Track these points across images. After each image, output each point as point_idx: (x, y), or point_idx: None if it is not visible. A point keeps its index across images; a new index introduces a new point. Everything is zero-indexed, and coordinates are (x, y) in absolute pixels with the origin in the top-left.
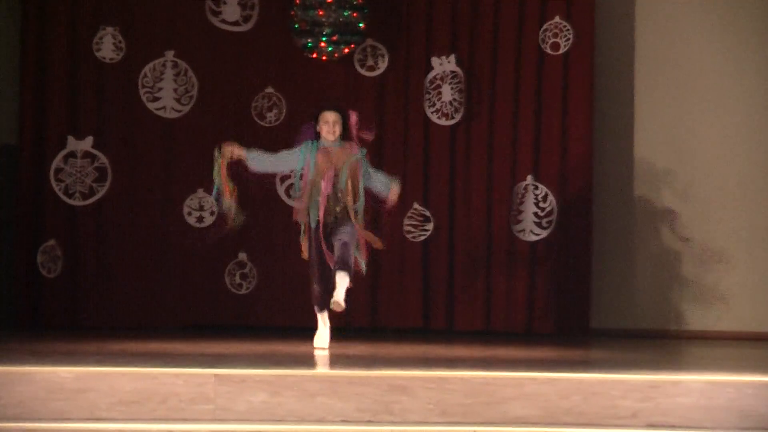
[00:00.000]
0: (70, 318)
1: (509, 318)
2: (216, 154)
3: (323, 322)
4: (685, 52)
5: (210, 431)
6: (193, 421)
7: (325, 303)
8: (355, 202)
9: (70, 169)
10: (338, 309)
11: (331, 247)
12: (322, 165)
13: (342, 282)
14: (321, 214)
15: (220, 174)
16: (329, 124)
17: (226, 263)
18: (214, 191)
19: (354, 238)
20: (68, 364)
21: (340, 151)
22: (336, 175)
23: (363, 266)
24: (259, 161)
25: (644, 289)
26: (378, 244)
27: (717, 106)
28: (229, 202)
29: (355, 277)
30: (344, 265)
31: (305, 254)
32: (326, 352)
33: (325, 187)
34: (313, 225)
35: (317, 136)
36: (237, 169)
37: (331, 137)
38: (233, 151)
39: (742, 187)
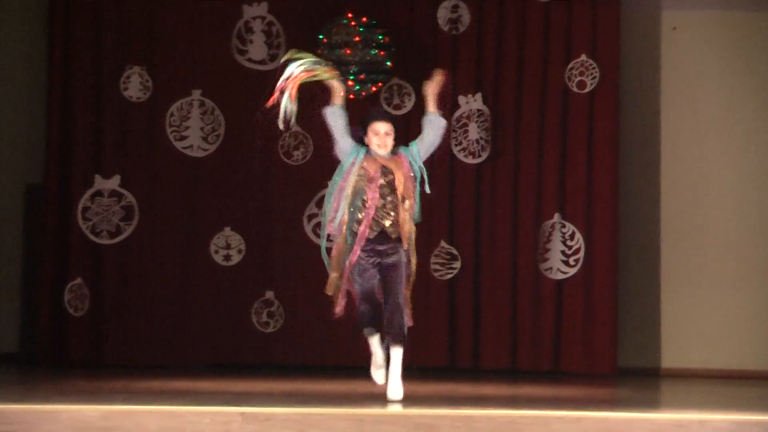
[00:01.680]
0: (96, 356)
1: (535, 356)
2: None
3: (375, 347)
4: (710, 90)
5: None
6: None
7: (374, 325)
8: (410, 218)
9: (96, 207)
10: (396, 398)
11: (374, 276)
12: (369, 170)
13: (397, 361)
14: (365, 227)
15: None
16: (380, 136)
17: (253, 301)
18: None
19: (405, 276)
20: (94, 403)
21: (390, 160)
22: (387, 184)
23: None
24: (336, 115)
25: (671, 327)
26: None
27: (741, 143)
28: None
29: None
30: (398, 336)
31: (331, 287)
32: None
33: (371, 196)
34: (351, 239)
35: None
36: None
37: (382, 151)
38: (335, 82)
39: (763, 224)
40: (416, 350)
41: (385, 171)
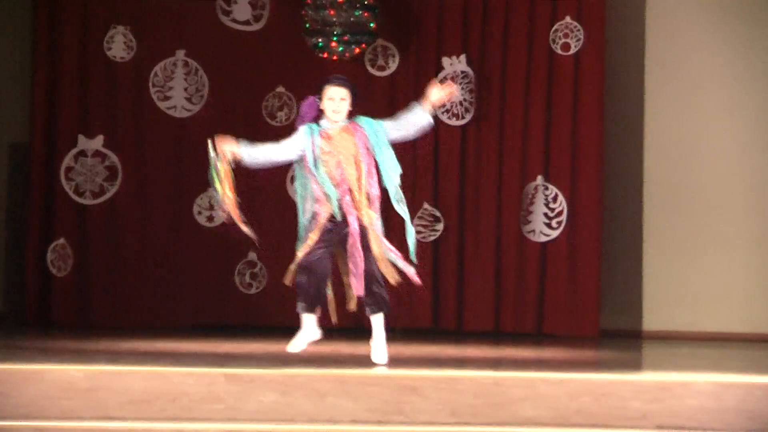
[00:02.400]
0: (81, 317)
1: (519, 319)
2: (212, 154)
3: (309, 324)
4: (695, 51)
5: (220, 430)
6: (203, 421)
7: (314, 302)
8: (368, 201)
9: (80, 168)
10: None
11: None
12: (325, 152)
13: (379, 327)
14: (324, 218)
15: (223, 182)
16: (335, 100)
17: (236, 263)
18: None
19: (377, 241)
20: (79, 363)
21: (342, 134)
22: (341, 167)
23: (413, 273)
24: (254, 156)
25: (654, 290)
26: (392, 278)
27: (727, 105)
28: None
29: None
30: (377, 304)
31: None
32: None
33: (332, 176)
34: (322, 220)
35: (319, 114)
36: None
37: (336, 117)
38: (231, 151)
39: (752, 187)
40: (400, 312)
41: (342, 146)
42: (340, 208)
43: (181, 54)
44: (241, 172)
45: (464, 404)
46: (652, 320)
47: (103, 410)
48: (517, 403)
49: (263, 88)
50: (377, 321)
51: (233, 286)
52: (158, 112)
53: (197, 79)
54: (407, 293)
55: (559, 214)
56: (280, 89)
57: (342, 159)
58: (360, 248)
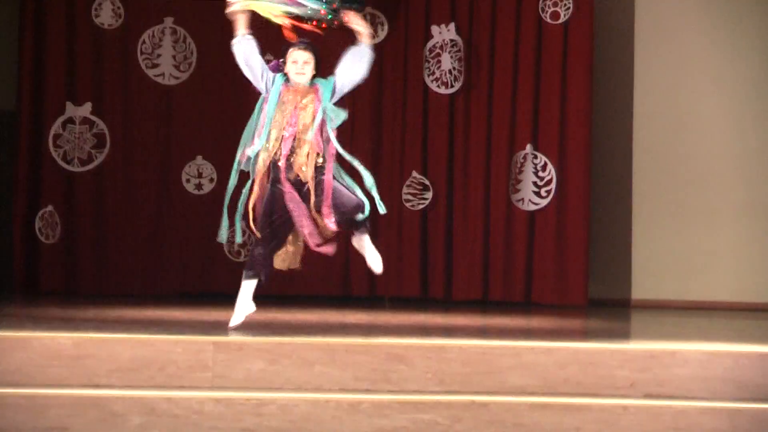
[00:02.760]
0: (68, 284)
1: (507, 287)
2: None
3: (247, 291)
4: (684, 20)
5: (208, 398)
6: (191, 389)
7: (264, 270)
8: (322, 156)
9: (68, 135)
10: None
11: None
12: (286, 101)
13: (369, 243)
14: (283, 160)
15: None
16: (298, 63)
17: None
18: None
19: (339, 188)
20: (66, 331)
21: (304, 91)
22: (300, 121)
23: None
24: (248, 46)
25: (642, 259)
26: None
27: (716, 75)
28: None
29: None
30: (362, 227)
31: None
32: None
33: (288, 129)
34: (265, 170)
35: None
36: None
37: (300, 79)
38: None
39: (741, 157)
40: (388, 281)
41: (301, 102)
42: (285, 156)
43: (169, 21)
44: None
45: (452, 373)
46: (640, 289)
47: (91, 378)
48: (505, 371)
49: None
50: (366, 239)
51: (222, 254)
52: (146, 79)
53: (185, 47)
54: (396, 261)
55: (548, 182)
56: (269, 57)
57: (299, 108)
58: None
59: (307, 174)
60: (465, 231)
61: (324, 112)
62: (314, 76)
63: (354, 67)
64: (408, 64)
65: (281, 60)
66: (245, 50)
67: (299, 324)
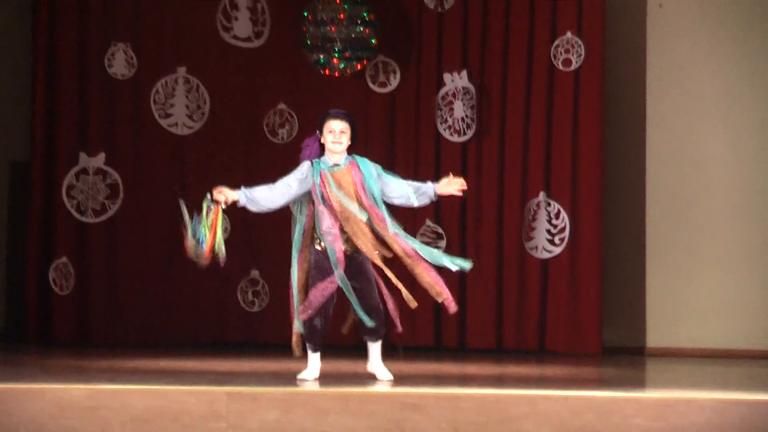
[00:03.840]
0: (82, 334)
1: (521, 336)
2: (205, 203)
3: (315, 361)
4: (695, 66)
5: None
6: None
7: (323, 341)
8: (372, 233)
9: (82, 185)
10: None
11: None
12: (326, 189)
13: (376, 354)
14: (337, 246)
15: (207, 225)
16: (335, 133)
17: (239, 281)
18: (198, 239)
19: (374, 287)
20: (80, 382)
21: (344, 172)
22: (341, 204)
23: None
24: (255, 201)
25: (657, 306)
26: (412, 302)
27: (727, 120)
28: (206, 254)
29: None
30: (375, 333)
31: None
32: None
33: (332, 216)
34: (326, 254)
35: (322, 149)
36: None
37: (337, 148)
38: (225, 196)
39: (754, 203)
40: (403, 331)
41: (344, 183)
42: (346, 242)
43: (182, 71)
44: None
45: (467, 422)
46: (654, 337)
47: (104, 429)
48: (520, 420)
49: (264, 105)
50: (375, 347)
51: (236, 303)
52: (159, 129)
53: (198, 96)
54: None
55: (562, 230)
56: (282, 106)
57: (343, 195)
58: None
59: (355, 248)
60: (478, 279)
61: (366, 185)
62: (350, 147)
63: (413, 195)
64: (420, 112)
65: (317, 132)
66: (263, 203)
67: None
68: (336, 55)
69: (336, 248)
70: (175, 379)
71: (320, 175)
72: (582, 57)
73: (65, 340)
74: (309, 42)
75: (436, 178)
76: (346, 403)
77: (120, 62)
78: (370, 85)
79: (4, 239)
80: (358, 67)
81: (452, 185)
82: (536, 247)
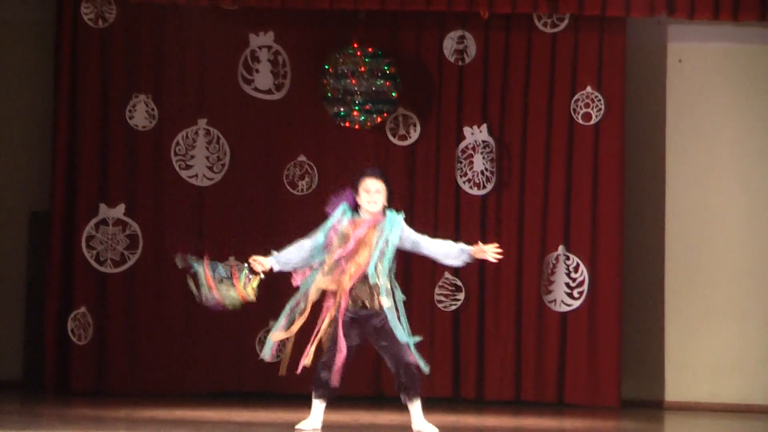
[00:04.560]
0: (100, 384)
1: (540, 388)
2: (244, 271)
3: (317, 411)
4: (716, 123)
5: None
6: None
7: (328, 392)
8: (390, 290)
9: (101, 236)
10: None
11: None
12: (348, 236)
13: (418, 412)
14: (345, 295)
15: (241, 285)
16: (370, 192)
17: (257, 331)
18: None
19: (401, 344)
20: (97, 431)
21: (371, 225)
22: (363, 254)
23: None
24: (288, 264)
25: (675, 360)
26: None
27: (747, 175)
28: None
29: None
30: (414, 389)
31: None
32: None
33: (347, 264)
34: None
35: (356, 207)
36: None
37: (372, 207)
38: (262, 265)
39: (766, 258)
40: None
41: (365, 238)
42: (356, 294)
43: (203, 123)
44: (262, 238)
45: None
46: (673, 391)
47: None
48: None
49: (285, 157)
50: (414, 407)
51: (253, 353)
52: (179, 180)
53: (219, 148)
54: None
55: (581, 284)
56: (302, 158)
57: (360, 246)
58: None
59: (372, 304)
60: (497, 331)
61: (386, 245)
62: (385, 207)
63: (440, 253)
64: (440, 165)
65: (352, 189)
66: (295, 261)
67: (331, 424)
68: (356, 108)
69: (340, 299)
70: (192, 429)
71: (347, 219)
72: (602, 111)
73: (83, 390)
74: (329, 95)
75: (456, 231)
76: None
77: (141, 113)
78: (390, 137)
79: (24, 289)
80: (378, 120)
81: (489, 252)
82: (555, 301)
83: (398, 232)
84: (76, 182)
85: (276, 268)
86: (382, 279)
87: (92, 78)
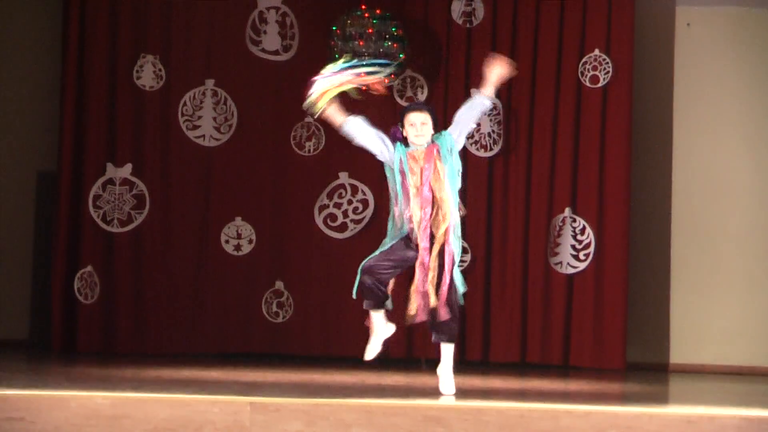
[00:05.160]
0: (106, 344)
1: (545, 350)
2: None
3: (379, 324)
4: (724, 87)
5: None
6: None
7: (381, 300)
8: (448, 217)
9: (108, 196)
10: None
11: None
12: (411, 168)
13: (447, 357)
14: (417, 223)
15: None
16: (416, 126)
17: (263, 292)
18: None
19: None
20: (104, 390)
21: (425, 154)
22: (424, 188)
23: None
24: (355, 126)
25: (681, 323)
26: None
27: (755, 139)
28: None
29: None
30: (449, 333)
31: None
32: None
33: (418, 197)
34: (403, 234)
35: (405, 141)
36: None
37: (420, 141)
38: (333, 118)
39: None
40: (425, 343)
41: (425, 165)
42: (420, 226)
43: (210, 83)
44: (269, 199)
45: None
46: (678, 354)
47: None
48: None
49: (292, 118)
50: (447, 350)
51: (260, 314)
52: (186, 141)
53: (226, 109)
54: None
55: (587, 246)
56: (308, 119)
57: (425, 179)
58: (426, 270)
59: (440, 236)
60: (503, 294)
61: (448, 168)
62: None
63: (468, 119)
64: (447, 126)
65: (399, 124)
66: (355, 133)
67: (337, 385)
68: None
69: (410, 228)
70: (199, 389)
71: (405, 156)
72: (609, 74)
73: (90, 349)
74: (337, 56)
75: (462, 193)
76: (369, 415)
77: (148, 74)
78: (398, 99)
79: (31, 248)
80: (386, 81)
81: (499, 67)
82: (561, 263)
83: (452, 148)
84: (84, 142)
85: (344, 128)
86: (452, 210)
87: (100, 38)
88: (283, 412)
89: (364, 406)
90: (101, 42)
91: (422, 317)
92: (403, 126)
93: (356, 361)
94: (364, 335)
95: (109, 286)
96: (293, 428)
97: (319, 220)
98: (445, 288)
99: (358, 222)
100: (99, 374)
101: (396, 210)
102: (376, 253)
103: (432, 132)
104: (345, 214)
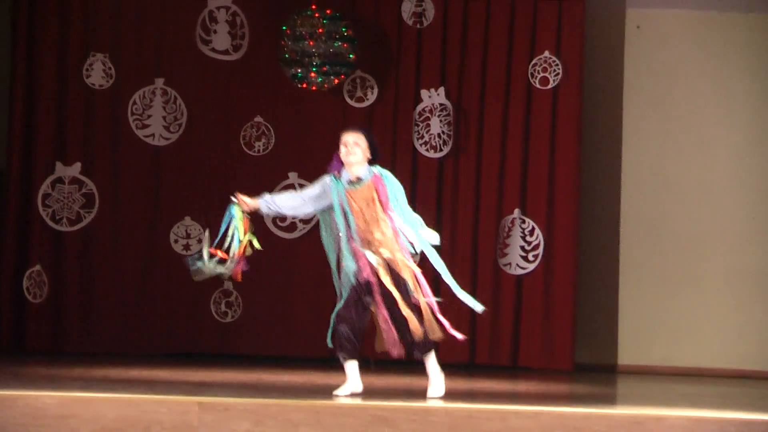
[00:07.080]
0: (55, 343)
1: (494, 351)
2: (234, 209)
3: (351, 373)
4: (673, 86)
5: None
6: None
7: (355, 349)
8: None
9: (57, 194)
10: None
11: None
12: (353, 207)
13: (433, 365)
14: (363, 262)
15: (239, 229)
16: (348, 145)
17: (212, 291)
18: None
19: (403, 288)
20: (51, 390)
21: (364, 188)
22: (365, 221)
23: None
24: (278, 210)
25: (629, 324)
26: (461, 337)
27: (704, 141)
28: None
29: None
30: (422, 347)
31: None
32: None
33: (359, 231)
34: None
35: (342, 164)
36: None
37: (351, 158)
38: (247, 205)
39: (727, 223)
40: (374, 344)
41: (364, 198)
42: (366, 261)
43: (159, 82)
44: (218, 198)
45: None
46: (626, 355)
47: None
48: None
49: (241, 118)
50: (430, 359)
51: (208, 314)
52: (136, 140)
53: (175, 108)
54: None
55: (536, 247)
56: (258, 119)
57: (365, 212)
58: (383, 302)
59: (384, 272)
60: (452, 294)
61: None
62: (371, 161)
63: (410, 232)
64: (397, 128)
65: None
66: (282, 210)
67: (284, 385)
68: (314, 70)
69: (358, 265)
70: (147, 389)
71: (342, 189)
72: (559, 76)
73: (38, 349)
74: (287, 56)
75: (412, 193)
76: (317, 415)
77: (98, 72)
78: (348, 100)
79: None
80: (336, 81)
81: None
82: (510, 264)
83: (401, 197)
84: (33, 141)
85: (264, 211)
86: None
87: (49, 36)
88: (231, 411)
89: (312, 407)
90: (51, 40)
91: (395, 353)
92: (339, 147)
93: (305, 361)
94: (312, 335)
95: (57, 286)
96: (241, 428)
97: (268, 220)
98: (409, 311)
99: (306, 222)
100: (47, 374)
101: (339, 256)
102: (341, 303)
103: (367, 156)
104: None
